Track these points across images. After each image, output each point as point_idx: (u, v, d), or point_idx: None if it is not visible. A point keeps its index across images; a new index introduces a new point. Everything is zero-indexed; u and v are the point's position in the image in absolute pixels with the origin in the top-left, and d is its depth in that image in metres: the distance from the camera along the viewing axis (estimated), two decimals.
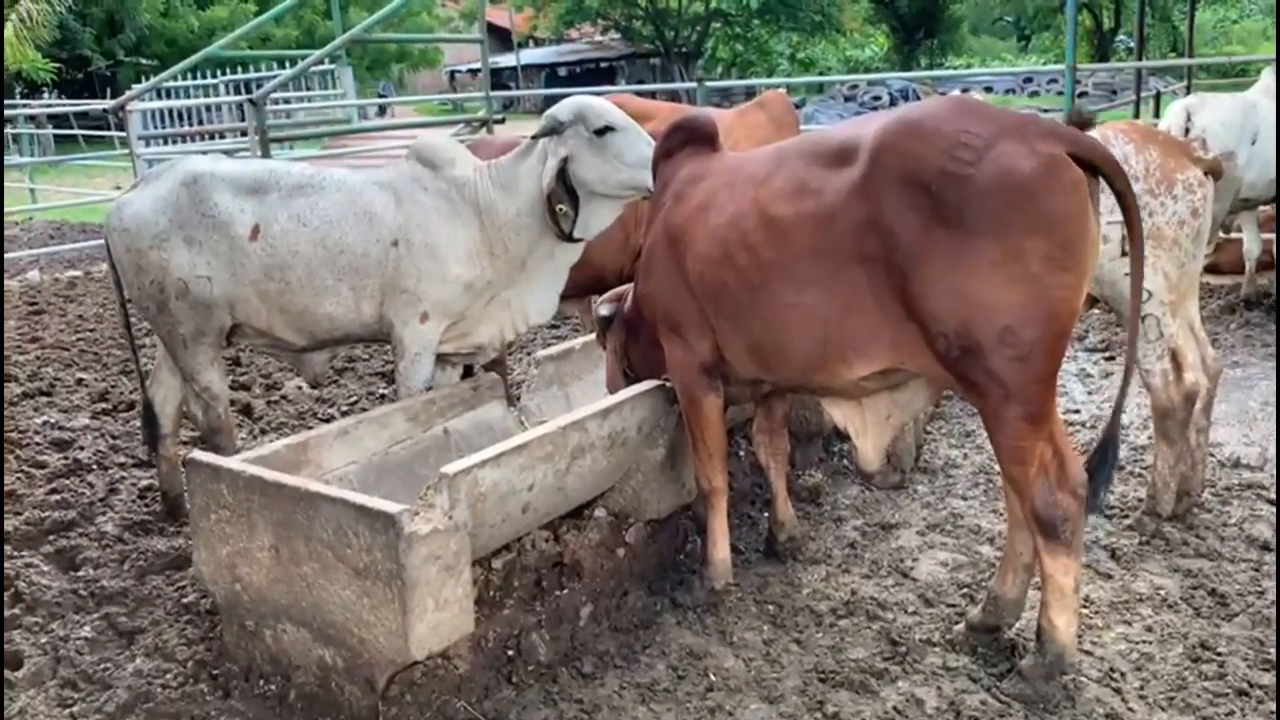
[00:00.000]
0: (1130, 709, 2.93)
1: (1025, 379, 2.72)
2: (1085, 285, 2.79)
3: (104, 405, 5.79)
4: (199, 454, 3.21)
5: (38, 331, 7.51)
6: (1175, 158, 3.76)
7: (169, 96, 15.98)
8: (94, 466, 4.85)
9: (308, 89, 16.64)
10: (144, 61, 25.78)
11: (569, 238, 3.73)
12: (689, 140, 3.55)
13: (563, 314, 6.13)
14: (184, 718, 3.01)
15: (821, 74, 33.11)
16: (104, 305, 8.24)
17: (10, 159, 17.84)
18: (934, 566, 3.78)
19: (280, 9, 13.41)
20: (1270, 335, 6.23)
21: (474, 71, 30.48)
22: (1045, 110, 13.31)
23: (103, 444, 5.14)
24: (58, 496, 4.46)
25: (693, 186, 3.41)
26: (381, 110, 23.99)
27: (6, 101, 20.58)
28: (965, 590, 3.59)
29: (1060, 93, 9.02)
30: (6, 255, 10.74)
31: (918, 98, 22.59)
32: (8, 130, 19.44)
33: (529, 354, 5.88)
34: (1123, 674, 3.08)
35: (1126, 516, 4.07)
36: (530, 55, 38.23)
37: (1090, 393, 5.64)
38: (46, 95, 23.53)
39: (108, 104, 12.86)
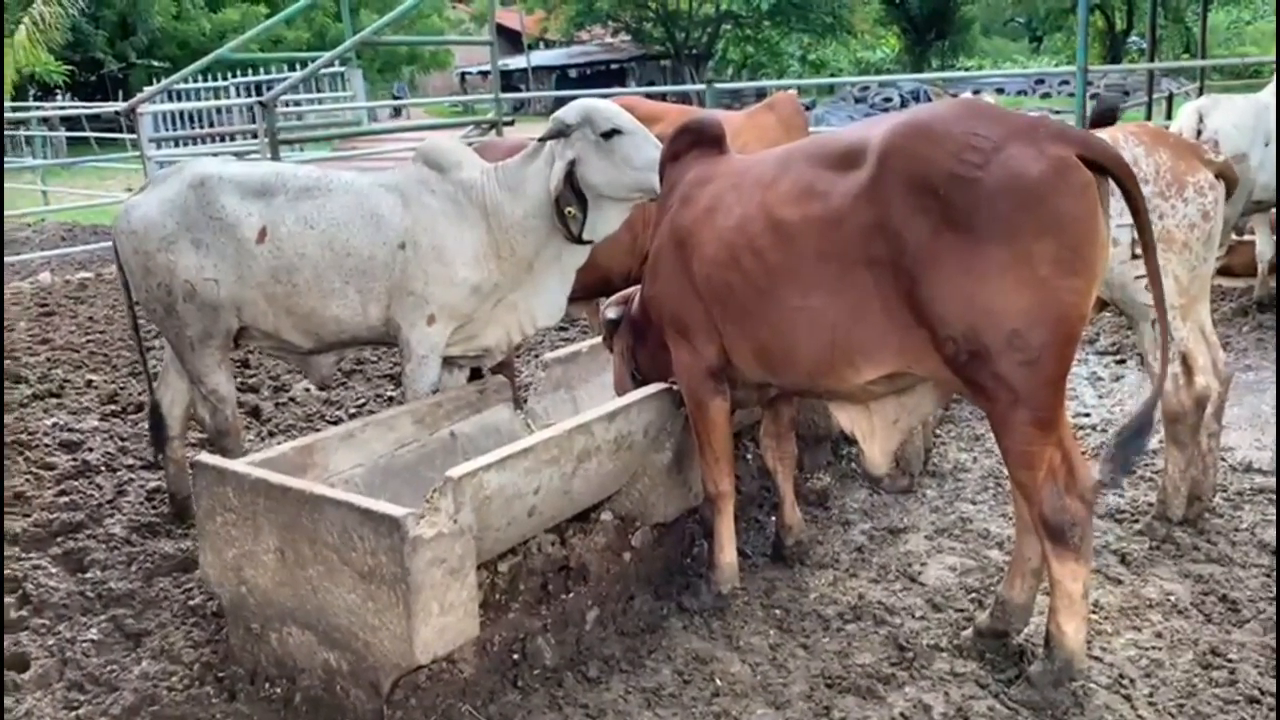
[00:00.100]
0: (1140, 716, 2.90)
1: (1034, 383, 2.70)
2: (1095, 289, 2.76)
3: (113, 407, 5.81)
4: (205, 456, 3.22)
5: (48, 333, 7.54)
6: (1186, 160, 3.73)
7: (180, 99, 16.05)
8: (102, 468, 4.86)
9: (318, 91, 16.68)
10: (156, 64, 25.87)
11: (577, 240, 3.72)
12: (696, 143, 3.54)
13: (570, 317, 6.13)
14: None
15: (832, 76, 33.08)
16: (114, 307, 8.27)
17: (23, 161, 17.96)
18: (942, 571, 3.76)
19: (291, 11, 13.48)
20: None
21: (484, 73, 30.53)
22: (1057, 112, 13.27)
23: (111, 446, 5.15)
24: (66, 498, 4.47)
25: (700, 189, 3.40)
26: (397, 111, 24.06)
27: (20, 104, 20.70)
28: (974, 595, 3.57)
29: (1072, 94, 8.96)
30: (19, 257, 10.81)
31: (929, 99, 22.53)
32: (21, 133, 19.56)
33: (536, 356, 5.88)
34: (1132, 681, 3.05)
35: (1136, 521, 4.04)
36: (541, 57, 38.26)
37: (1101, 396, 5.60)
38: (59, 97, 23.67)
39: (119, 106, 12.92)
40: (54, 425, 5.43)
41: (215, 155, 9.41)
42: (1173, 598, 3.49)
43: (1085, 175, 2.68)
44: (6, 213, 13.50)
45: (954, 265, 2.71)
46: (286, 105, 14.72)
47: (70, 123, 21.19)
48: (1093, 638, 3.20)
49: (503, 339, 3.99)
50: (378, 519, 2.72)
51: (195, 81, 15.87)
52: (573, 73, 38.99)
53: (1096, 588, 3.52)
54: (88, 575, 3.82)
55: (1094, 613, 3.34)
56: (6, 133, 19.78)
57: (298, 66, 14.81)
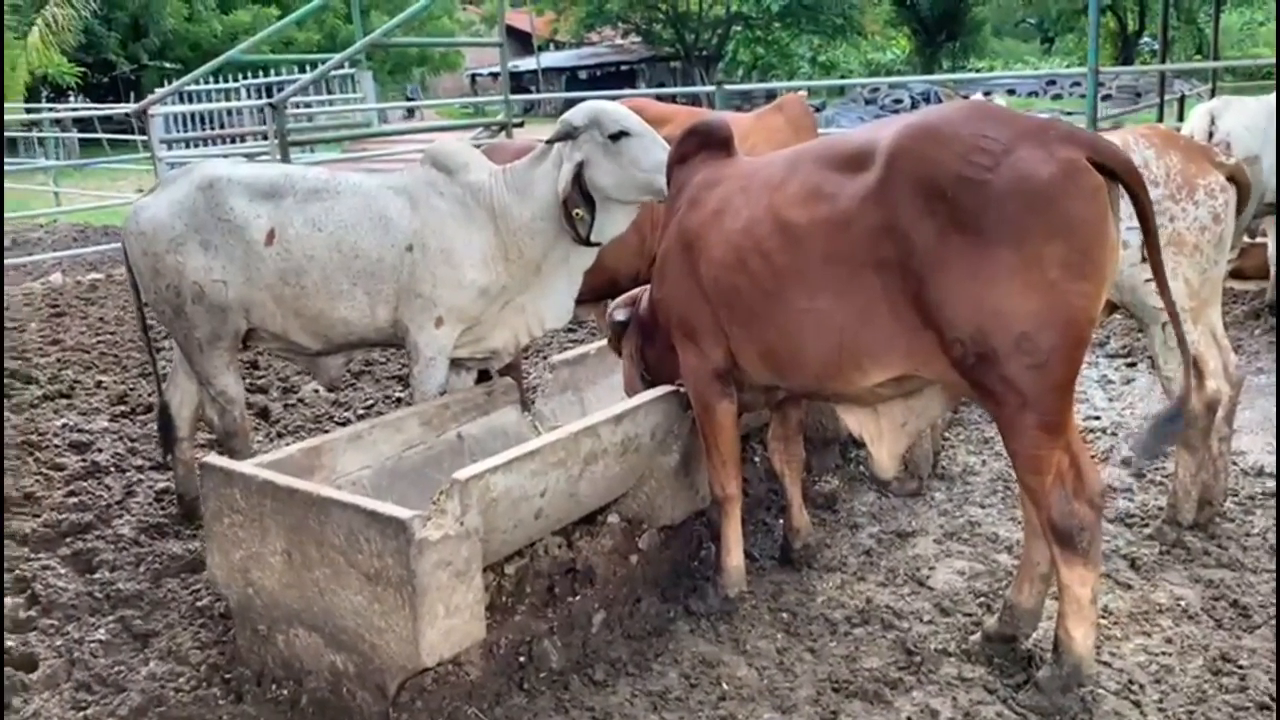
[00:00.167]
0: None
1: (1042, 387, 2.69)
2: (1104, 292, 2.75)
3: (123, 408, 5.82)
4: (213, 458, 3.22)
5: (59, 334, 7.57)
6: (1197, 162, 3.71)
7: (191, 100, 16.09)
8: (112, 469, 4.88)
9: (328, 93, 16.72)
10: (168, 65, 25.98)
11: (585, 242, 3.72)
12: (704, 145, 3.54)
13: (578, 319, 6.11)
14: None
15: (843, 77, 33.02)
16: (124, 308, 8.30)
17: (36, 162, 18.05)
18: (950, 575, 3.74)
19: (302, 13, 13.53)
20: None
21: (495, 75, 30.56)
22: (1068, 113, 13.22)
23: (121, 446, 5.17)
24: (76, 499, 4.49)
25: (707, 191, 3.39)
26: (411, 113, 24.10)
27: (33, 105, 20.81)
28: (982, 599, 3.55)
29: (1084, 95, 8.93)
30: (31, 257, 10.86)
31: (940, 101, 22.47)
32: (34, 134, 19.67)
33: (544, 358, 5.88)
34: (1141, 686, 3.03)
35: (1147, 525, 4.02)
36: (551, 59, 38.31)
37: (1111, 399, 5.57)
38: (72, 99, 23.79)
39: (130, 108, 12.97)
40: (64, 426, 5.45)
41: (226, 157, 9.44)
42: (1183, 603, 3.47)
43: (1095, 178, 2.67)
44: (20, 214, 13.59)
45: (962, 267, 2.70)
46: (297, 107, 14.76)
47: (83, 124, 21.28)
48: (1102, 643, 3.18)
49: (510, 341, 3.99)
50: (384, 521, 2.72)
51: (206, 83, 15.92)
52: (583, 74, 39.04)
53: (1106, 592, 3.50)
54: (96, 576, 3.83)
55: (1103, 618, 3.33)
56: (20, 134, 19.93)
57: (308, 68, 14.87)
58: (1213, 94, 11.54)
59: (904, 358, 2.91)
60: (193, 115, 17.01)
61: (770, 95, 14.56)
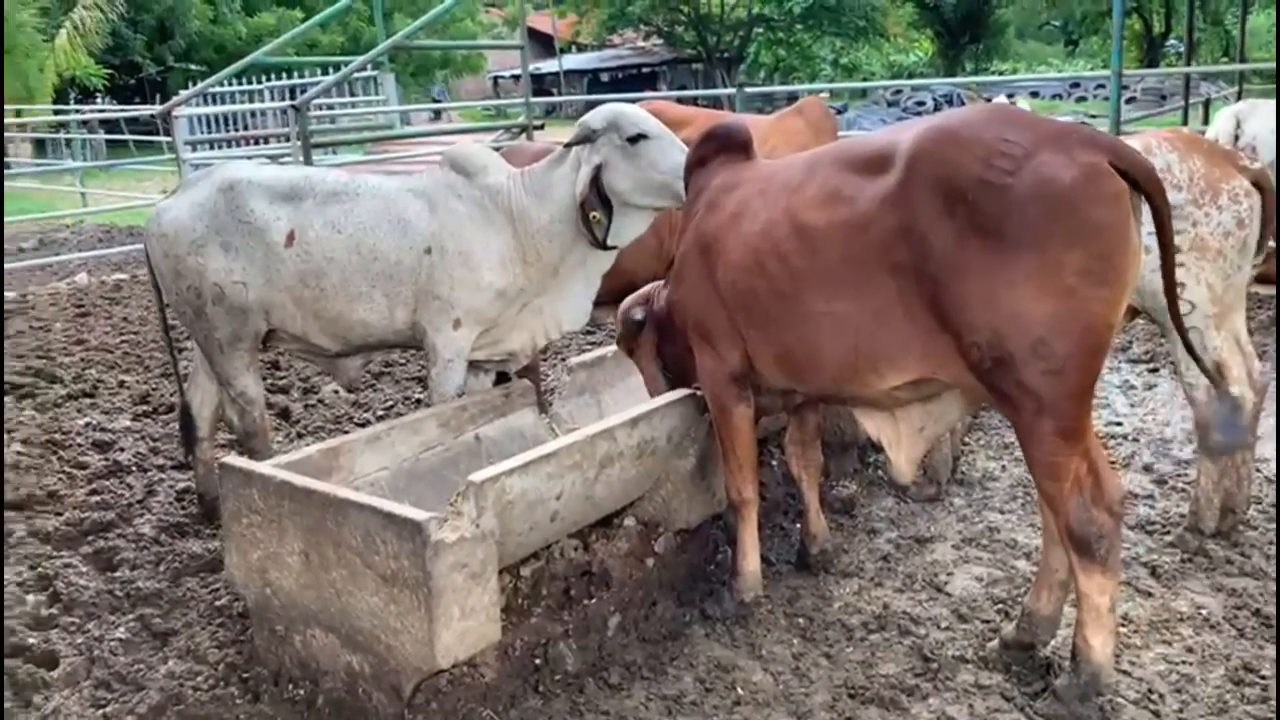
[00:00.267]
0: None
1: (1059, 393, 2.67)
2: (1125, 298, 2.72)
3: (145, 407, 5.87)
4: (232, 458, 3.24)
5: (83, 334, 7.64)
6: (1220, 167, 3.67)
7: (215, 102, 16.22)
8: (133, 468, 4.92)
9: (351, 95, 16.81)
10: (193, 67, 26.24)
11: (602, 246, 3.72)
12: (723, 148, 3.53)
13: (596, 321, 6.11)
14: None
15: (865, 79, 32.96)
16: (148, 308, 8.36)
17: (63, 163, 18.25)
18: (969, 581, 3.72)
19: (326, 15, 13.61)
20: None
21: (517, 77, 30.65)
22: (1093, 116, 13.11)
23: (143, 446, 5.21)
24: (98, 497, 4.53)
25: (726, 195, 3.39)
26: (436, 114, 24.21)
27: (60, 107, 21.04)
28: (1000, 606, 3.53)
29: (1108, 98, 8.86)
30: (57, 258, 10.97)
31: (963, 103, 22.35)
32: (61, 135, 19.88)
33: (562, 361, 5.89)
34: (1161, 695, 3.00)
35: (1168, 532, 3.98)
36: (573, 61, 38.36)
37: (1133, 405, 5.53)
38: (99, 100, 24.03)
39: (156, 109, 13.08)
40: (87, 425, 5.49)
41: (249, 158, 9.50)
42: (1204, 611, 3.44)
43: (1117, 183, 2.65)
44: (46, 214, 13.74)
45: (980, 271, 2.68)
46: (320, 109, 14.83)
47: (109, 125, 21.51)
48: (1122, 651, 3.16)
49: (528, 343, 4.00)
50: (400, 523, 2.73)
51: (231, 85, 16.05)
52: (604, 76, 39.08)
53: (1126, 600, 3.47)
54: (117, 574, 3.87)
55: (1123, 626, 3.30)
56: (47, 135, 20.16)
57: (331, 70, 14.94)
58: (1239, 97, 11.44)
59: (920, 360, 2.90)
60: (217, 117, 17.15)
61: (792, 97, 14.52)
